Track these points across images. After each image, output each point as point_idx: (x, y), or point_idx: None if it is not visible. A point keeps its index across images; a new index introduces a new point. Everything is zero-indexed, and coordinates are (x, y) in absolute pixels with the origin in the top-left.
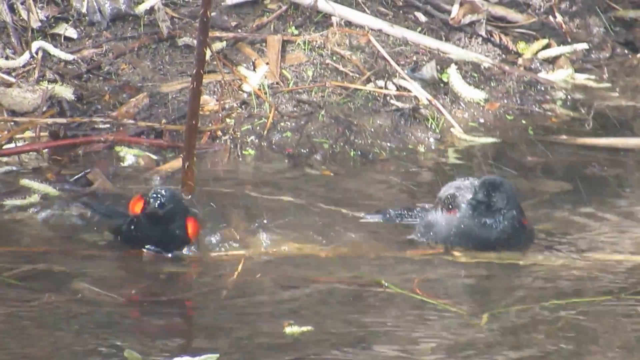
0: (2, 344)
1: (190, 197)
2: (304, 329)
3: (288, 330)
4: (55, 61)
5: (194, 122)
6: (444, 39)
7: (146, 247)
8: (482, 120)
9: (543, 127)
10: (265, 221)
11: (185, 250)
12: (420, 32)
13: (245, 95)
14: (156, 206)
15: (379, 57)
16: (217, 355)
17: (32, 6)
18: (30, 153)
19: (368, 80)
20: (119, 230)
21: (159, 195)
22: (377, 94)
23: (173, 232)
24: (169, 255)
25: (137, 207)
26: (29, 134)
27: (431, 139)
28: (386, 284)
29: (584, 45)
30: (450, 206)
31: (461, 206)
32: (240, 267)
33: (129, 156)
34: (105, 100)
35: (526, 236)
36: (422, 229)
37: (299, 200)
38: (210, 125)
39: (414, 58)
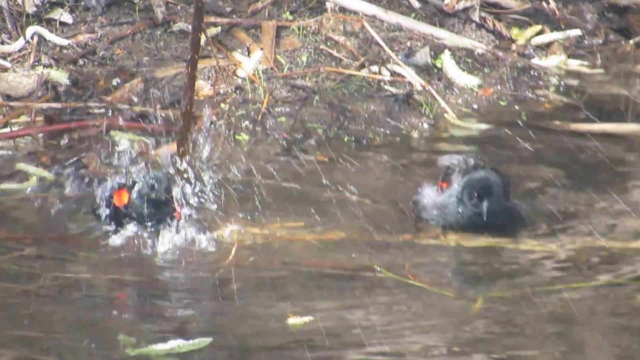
0: None
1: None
2: (306, 319)
3: (291, 321)
4: (51, 46)
5: (188, 107)
6: (437, 25)
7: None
8: (475, 106)
9: (536, 113)
10: (258, 206)
11: (179, 235)
12: (414, 18)
13: (239, 80)
14: (160, 189)
15: (373, 43)
16: (210, 339)
17: None
18: (26, 137)
19: (362, 66)
20: (105, 218)
21: (157, 178)
22: (371, 80)
23: (165, 211)
24: (158, 229)
25: (123, 198)
26: (24, 118)
27: (425, 125)
28: (378, 269)
29: (577, 32)
30: (442, 179)
31: (452, 185)
32: (233, 251)
33: (123, 141)
34: (100, 85)
35: (512, 215)
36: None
37: (293, 185)
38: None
39: (408, 44)
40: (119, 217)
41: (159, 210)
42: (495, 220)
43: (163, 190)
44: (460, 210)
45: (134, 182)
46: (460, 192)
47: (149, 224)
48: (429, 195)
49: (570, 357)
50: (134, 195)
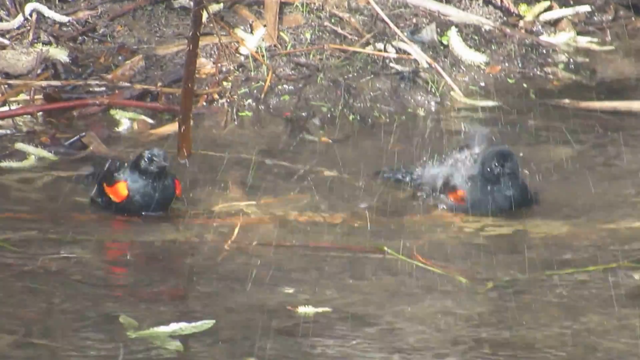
0: None
1: (185, 160)
2: (320, 310)
3: (301, 310)
4: (50, 23)
5: (190, 85)
6: (444, 1)
7: (142, 212)
8: (482, 84)
9: (545, 91)
10: (262, 186)
11: (179, 216)
12: None
13: (242, 58)
14: (163, 161)
15: (378, 20)
16: (213, 321)
17: None
18: (25, 116)
19: (367, 43)
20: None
21: (156, 153)
22: (376, 57)
23: (166, 189)
24: (160, 213)
25: (121, 191)
26: (23, 96)
27: (431, 103)
28: (388, 250)
29: (586, 8)
30: (452, 189)
31: (466, 184)
32: (235, 232)
33: (124, 119)
34: (101, 62)
35: (533, 200)
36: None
37: (297, 164)
38: (206, 88)
39: (414, 20)
40: (119, 211)
41: (160, 190)
42: (518, 203)
43: (162, 162)
44: (488, 188)
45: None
46: (482, 163)
47: (151, 210)
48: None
49: (582, 340)
50: (132, 182)
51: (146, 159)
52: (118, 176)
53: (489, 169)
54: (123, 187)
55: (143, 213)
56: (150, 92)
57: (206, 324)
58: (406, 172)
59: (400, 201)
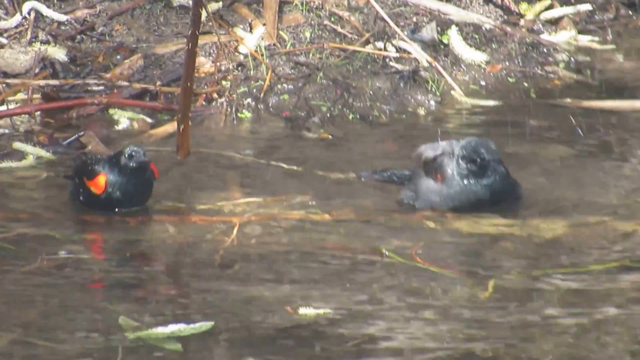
0: None
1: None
2: (321, 311)
3: (302, 312)
4: (48, 22)
5: (189, 84)
6: None
7: (117, 209)
8: (483, 83)
9: (546, 90)
10: (261, 185)
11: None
12: None
13: (241, 57)
14: (142, 156)
15: (378, 18)
16: (212, 323)
17: None
18: (23, 115)
19: (367, 42)
20: (84, 200)
21: (136, 149)
22: (376, 56)
23: (146, 184)
24: (144, 205)
25: (100, 182)
26: (21, 96)
27: (431, 102)
28: (386, 253)
29: (587, 6)
30: (435, 171)
31: (447, 171)
32: (234, 232)
33: (122, 119)
34: (99, 61)
35: (516, 190)
36: (410, 194)
37: (296, 164)
38: (205, 87)
39: (414, 19)
40: (98, 205)
41: (140, 185)
42: (499, 192)
43: (142, 157)
44: (465, 183)
45: (108, 160)
46: (459, 157)
47: (137, 190)
48: (425, 184)
49: (582, 338)
50: (112, 176)
51: (126, 156)
52: (98, 169)
53: (462, 164)
54: (102, 179)
55: (123, 209)
56: (149, 91)
57: (205, 325)
58: (393, 173)
59: (394, 202)
